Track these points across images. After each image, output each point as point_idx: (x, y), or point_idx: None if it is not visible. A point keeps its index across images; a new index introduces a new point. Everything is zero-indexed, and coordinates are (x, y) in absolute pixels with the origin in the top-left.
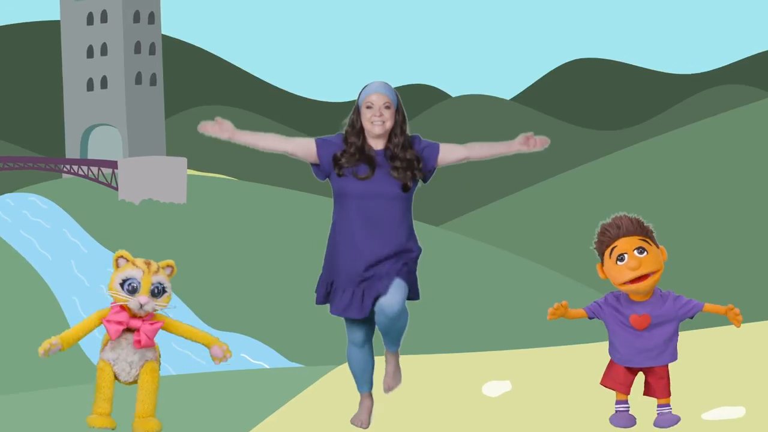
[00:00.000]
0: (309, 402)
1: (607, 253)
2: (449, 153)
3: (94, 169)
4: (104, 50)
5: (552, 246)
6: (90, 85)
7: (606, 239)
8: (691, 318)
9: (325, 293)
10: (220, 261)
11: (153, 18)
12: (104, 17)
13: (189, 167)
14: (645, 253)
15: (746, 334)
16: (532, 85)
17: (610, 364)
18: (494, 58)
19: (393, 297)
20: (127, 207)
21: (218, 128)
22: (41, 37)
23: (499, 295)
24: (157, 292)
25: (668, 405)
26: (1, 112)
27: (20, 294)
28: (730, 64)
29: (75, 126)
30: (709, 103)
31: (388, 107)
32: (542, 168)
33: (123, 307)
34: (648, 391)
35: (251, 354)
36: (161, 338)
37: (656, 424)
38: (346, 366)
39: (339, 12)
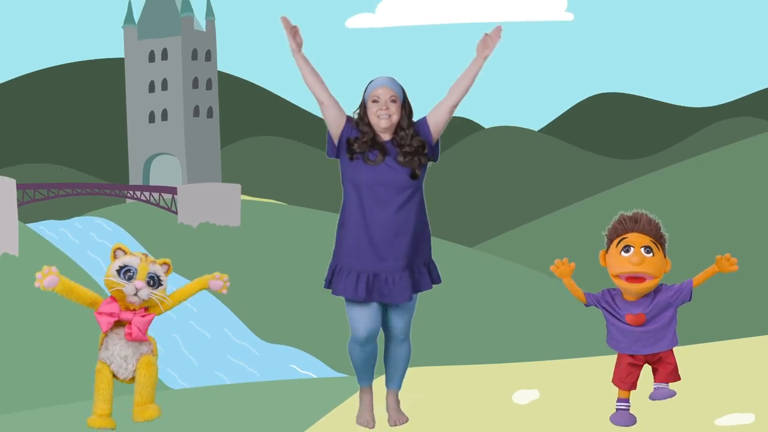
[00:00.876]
0: (353, 409)
1: (615, 241)
2: (437, 115)
3: (155, 195)
4: (165, 85)
5: (578, 265)
6: (152, 118)
7: (620, 228)
8: (689, 300)
9: (333, 278)
10: (272, 279)
11: (209, 56)
12: (165, 55)
13: (243, 193)
14: (651, 254)
15: (756, 347)
16: (559, 117)
17: (617, 361)
18: (523, 92)
19: (403, 319)
20: (185, 230)
21: (291, 33)
22: (107, 73)
23: (529, 311)
24: (153, 282)
25: (667, 384)
26: (70, 142)
27: (86, 310)
28: (741, 98)
29: (138, 155)
30: (721, 133)
31: (394, 101)
32: (568, 193)
33: (114, 299)
34: (657, 378)
35: (300, 365)
36: (218, 349)
37: (652, 396)
38: None
39: (378, 49)
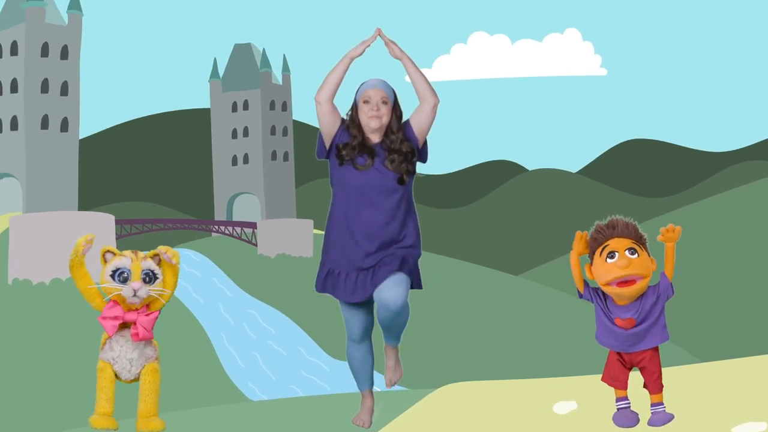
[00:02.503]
0: (412, 420)
1: (598, 251)
2: (420, 118)
3: (238, 229)
4: (246, 132)
5: None
6: (234, 161)
7: (599, 237)
8: (673, 294)
9: (323, 280)
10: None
11: (285, 106)
12: (246, 106)
13: (315, 228)
14: (636, 254)
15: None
16: (594, 160)
17: (608, 360)
18: (563, 138)
19: (395, 291)
20: (264, 260)
21: (366, 45)
22: (195, 122)
23: (566, 330)
24: (149, 278)
25: (662, 404)
26: (162, 182)
27: (178, 330)
28: (755, 144)
29: (222, 194)
30: (738, 175)
31: (385, 102)
32: None
33: (117, 302)
34: (648, 389)
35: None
36: (293, 365)
37: (650, 422)
38: (445, 389)
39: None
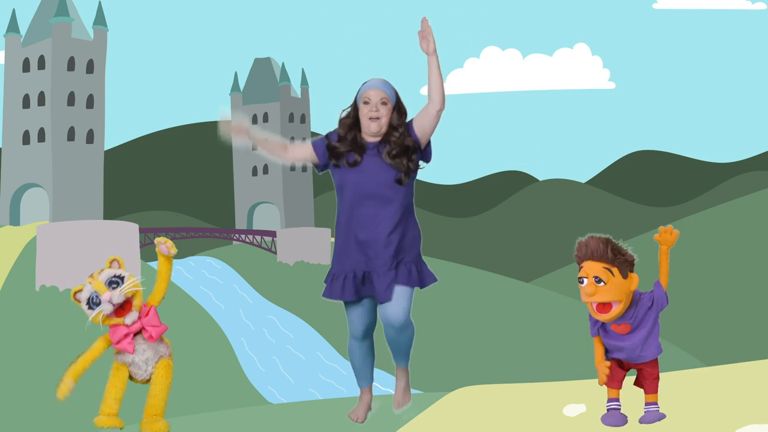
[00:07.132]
0: (428, 422)
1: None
2: (423, 120)
3: (258, 237)
4: None
5: None
6: (254, 172)
7: (576, 257)
8: (667, 304)
9: (330, 286)
10: None
11: (304, 119)
12: (266, 118)
13: (332, 236)
14: (602, 283)
15: None
16: (603, 171)
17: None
18: (572, 149)
19: (398, 307)
20: (283, 267)
21: (236, 130)
22: (217, 134)
23: (574, 335)
24: (114, 284)
25: (655, 403)
26: (186, 192)
27: (199, 336)
28: (759, 155)
29: (243, 203)
30: (742, 185)
31: (384, 103)
32: (612, 236)
33: (114, 326)
34: (637, 383)
35: (381, 383)
36: (311, 369)
37: (642, 420)
38: (457, 392)
39: (445, 112)
